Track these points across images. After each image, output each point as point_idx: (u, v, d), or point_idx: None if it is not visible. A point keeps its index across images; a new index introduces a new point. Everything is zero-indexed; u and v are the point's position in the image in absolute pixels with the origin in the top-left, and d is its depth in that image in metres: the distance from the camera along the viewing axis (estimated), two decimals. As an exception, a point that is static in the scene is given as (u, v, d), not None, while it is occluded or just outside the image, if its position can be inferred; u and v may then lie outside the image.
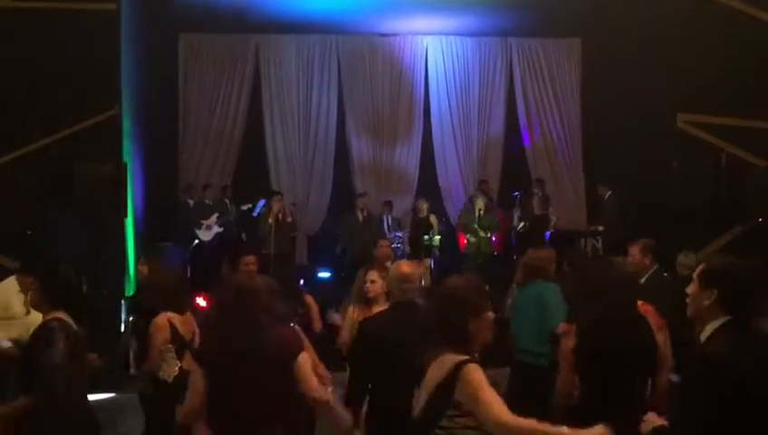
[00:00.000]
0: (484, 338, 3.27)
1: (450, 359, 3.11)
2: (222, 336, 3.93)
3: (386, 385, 4.35)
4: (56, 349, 3.94)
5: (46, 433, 4.00)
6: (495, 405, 3.02)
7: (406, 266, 4.77)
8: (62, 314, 4.13)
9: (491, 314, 3.30)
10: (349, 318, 5.90)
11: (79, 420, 4.15)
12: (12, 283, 6.61)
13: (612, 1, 12.21)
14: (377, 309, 5.51)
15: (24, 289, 6.18)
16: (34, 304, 4.38)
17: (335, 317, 7.54)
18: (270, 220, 12.60)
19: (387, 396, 4.34)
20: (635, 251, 6.27)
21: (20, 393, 4.08)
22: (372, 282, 5.67)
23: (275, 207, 12.57)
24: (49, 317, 4.14)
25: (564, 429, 3.01)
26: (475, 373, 3.06)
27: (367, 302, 5.70)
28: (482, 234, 12.66)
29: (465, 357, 3.12)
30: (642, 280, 5.88)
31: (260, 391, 3.75)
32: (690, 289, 3.12)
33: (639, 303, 5.10)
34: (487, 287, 3.40)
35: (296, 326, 5.35)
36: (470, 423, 3.06)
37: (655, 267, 6.29)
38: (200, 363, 3.86)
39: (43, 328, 4.07)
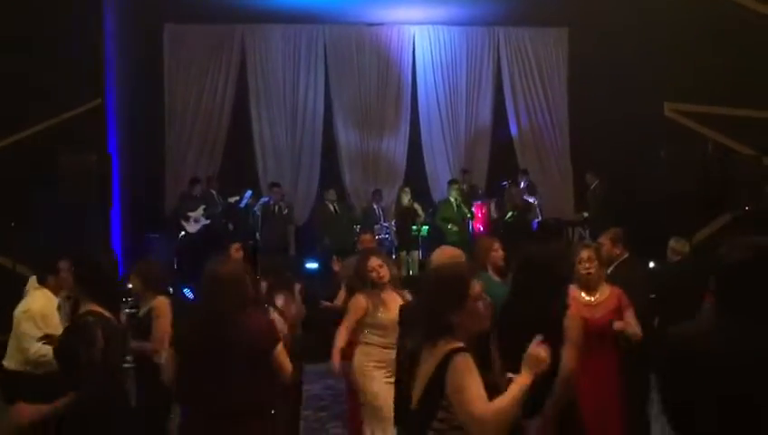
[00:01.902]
0: (470, 329, 3.09)
1: (441, 349, 3.00)
2: (194, 323, 3.92)
3: None
4: (96, 346, 3.92)
5: (91, 428, 3.99)
6: (475, 401, 2.88)
7: (450, 250, 4.70)
8: (96, 307, 4.09)
9: (480, 304, 3.15)
10: (360, 308, 5.59)
11: (118, 407, 4.17)
12: None
13: (599, -10, 12.21)
14: (386, 295, 5.51)
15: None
16: (75, 296, 4.38)
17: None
18: (258, 211, 12.63)
19: None
20: (605, 240, 6.26)
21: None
22: (381, 266, 5.58)
23: (273, 198, 12.62)
24: (84, 310, 4.10)
25: (513, 387, 2.98)
26: (462, 363, 2.93)
27: (374, 287, 5.58)
28: (465, 211, 12.83)
29: (458, 345, 2.99)
30: (610, 268, 5.91)
31: (231, 381, 3.70)
32: None
33: (609, 285, 5.17)
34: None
35: (276, 315, 5.36)
36: None
37: (625, 256, 6.28)
38: (171, 344, 3.92)
39: (84, 325, 4.01)
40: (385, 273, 5.57)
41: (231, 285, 3.84)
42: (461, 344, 3.00)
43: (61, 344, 4.20)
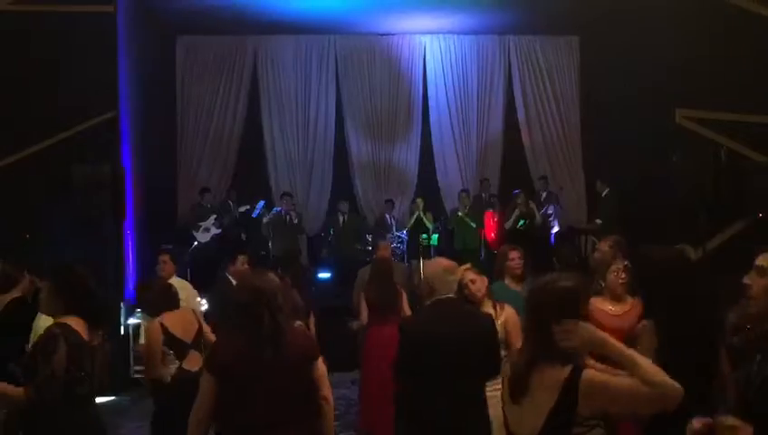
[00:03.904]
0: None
1: (557, 373, 2.80)
2: (238, 341, 3.75)
3: (430, 387, 4.26)
4: (56, 358, 3.86)
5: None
6: (631, 385, 2.69)
7: (445, 261, 4.61)
8: (72, 320, 4.02)
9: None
10: None
11: (82, 424, 4.09)
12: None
13: (610, -2, 12.20)
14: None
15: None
16: (45, 308, 4.27)
17: (355, 324, 7.56)
18: (266, 220, 12.69)
19: (429, 397, 4.26)
20: (604, 247, 6.23)
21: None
22: (473, 282, 5.21)
23: (284, 208, 12.67)
24: (55, 322, 4.03)
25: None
26: (592, 377, 2.75)
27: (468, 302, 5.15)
28: (470, 222, 12.78)
29: (573, 366, 2.79)
30: None
31: (279, 395, 3.65)
32: (759, 282, 2.92)
33: (630, 296, 5.13)
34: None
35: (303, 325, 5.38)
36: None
37: (624, 263, 6.24)
38: (212, 371, 3.68)
39: (47, 335, 3.96)
40: (481, 286, 5.23)
41: (280, 297, 3.75)
42: (574, 364, 2.81)
43: (25, 354, 4.14)
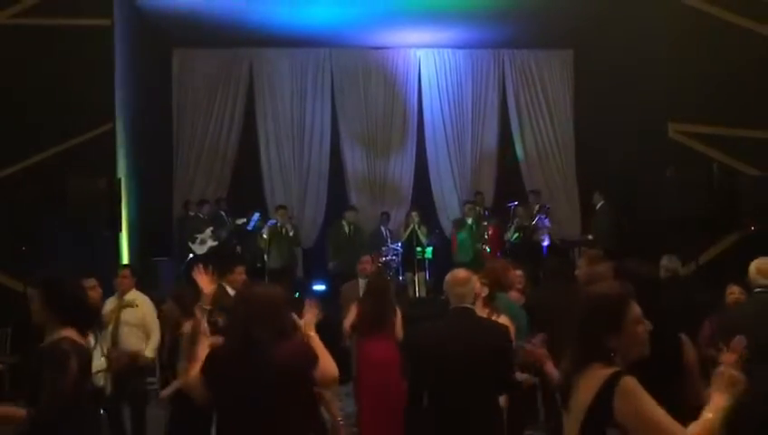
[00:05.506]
0: (631, 354, 2.90)
1: (599, 373, 2.79)
2: (225, 351, 3.69)
3: (444, 395, 4.31)
4: (68, 374, 3.81)
5: None
6: (665, 423, 2.65)
7: (458, 272, 4.62)
8: (71, 333, 3.98)
9: (642, 328, 2.93)
10: None
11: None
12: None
13: (604, 13, 12.31)
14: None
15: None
16: (39, 320, 4.16)
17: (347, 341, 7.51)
18: (265, 235, 12.65)
19: (445, 406, 4.30)
20: (582, 262, 6.29)
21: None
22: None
23: (279, 220, 12.66)
24: (59, 337, 3.97)
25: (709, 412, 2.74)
26: (632, 385, 2.71)
27: None
28: (478, 246, 12.75)
29: (617, 369, 2.79)
30: None
31: (264, 409, 3.53)
32: None
33: None
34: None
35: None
36: None
37: None
38: (208, 386, 3.60)
39: (56, 349, 3.89)
40: (481, 288, 5.21)
41: (269, 309, 3.63)
42: (620, 368, 2.81)
43: (30, 367, 4.03)
